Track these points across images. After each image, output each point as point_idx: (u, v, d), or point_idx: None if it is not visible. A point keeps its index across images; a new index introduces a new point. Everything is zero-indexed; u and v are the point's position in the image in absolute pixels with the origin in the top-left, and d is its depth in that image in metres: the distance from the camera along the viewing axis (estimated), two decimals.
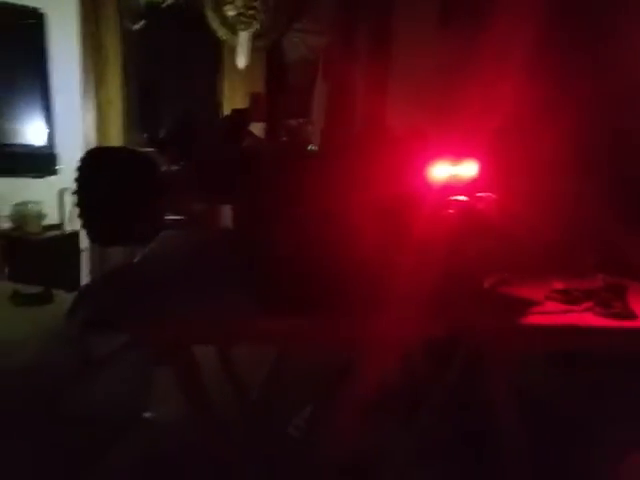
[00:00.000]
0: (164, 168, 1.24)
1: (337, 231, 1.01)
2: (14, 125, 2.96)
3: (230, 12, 3.25)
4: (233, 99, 3.41)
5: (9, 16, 2.85)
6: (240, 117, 1.21)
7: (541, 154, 1.42)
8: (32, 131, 2.99)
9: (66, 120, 3.10)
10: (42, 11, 2.94)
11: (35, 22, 2.94)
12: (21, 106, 2.98)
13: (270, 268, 1.01)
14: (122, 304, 1.03)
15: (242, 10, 3.25)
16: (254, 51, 3.26)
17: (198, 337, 1.05)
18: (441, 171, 1.12)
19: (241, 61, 3.28)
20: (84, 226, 1.19)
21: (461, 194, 1.13)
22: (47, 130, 3.03)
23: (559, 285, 1.23)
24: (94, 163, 1.20)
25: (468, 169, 1.17)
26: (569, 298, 1.19)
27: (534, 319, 1.13)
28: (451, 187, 1.12)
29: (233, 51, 3.28)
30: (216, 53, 3.45)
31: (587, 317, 1.16)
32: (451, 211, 1.14)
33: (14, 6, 2.85)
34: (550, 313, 1.16)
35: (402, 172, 1.04)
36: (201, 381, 1.08)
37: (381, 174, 1.01)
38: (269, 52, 3.32)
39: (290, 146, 1.21)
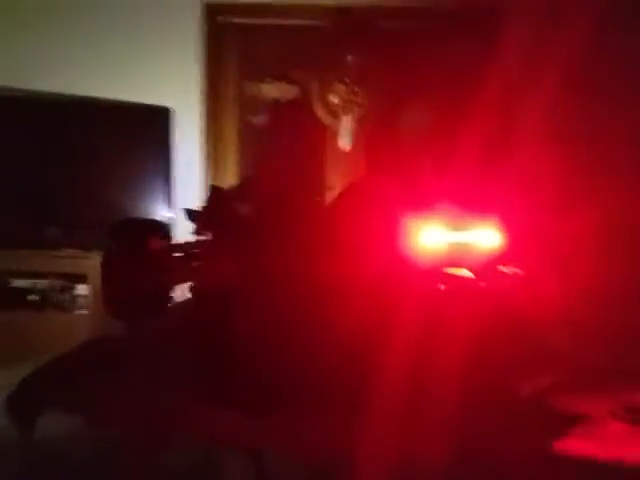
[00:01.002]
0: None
1: (309, 311, 0.90)
2: (139, 205, 3.35)
3: (334, 99, 3.44)
4: (337, 177, 3.50)
5: (141, 113, 3.32)
6: (249, 184, 1.22)
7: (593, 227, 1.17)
8: (155, 212, 3.34)
9: (185, 203, 3.42)
10: (170, 108, 3.38)
11: (163, 118, 3.37)
12: (147, 191, 3.37)
13: (227, 352, 0.92)
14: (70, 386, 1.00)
15: (344, 96, 3.42)
16: (357, 134, 3.38)
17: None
18: (439, 236, 0.96)
19: (344, 143, 3.40)
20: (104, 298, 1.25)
21: (469, 268, 0.94)
22: (168, 212, 3.35)
23: (632, 398, 0.91)
24: (116, 235, 1.28)
25: (487, 236, 0.98)
26: None
27: (582, 445, 0.81)
28: (454, 258, 0.95)
29: (336, 135, 3.42)
30: (322, 138, 3.61)
31: None
32: (466, 292, 0.96)
33: (147, 106, 3.32)
34: (614, 440, 0.84)
35: (392, 236, 0.92)
36: None
37: (361, 240, 0.91)
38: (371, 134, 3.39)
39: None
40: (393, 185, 0.97)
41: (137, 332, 1.19)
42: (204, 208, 1.28)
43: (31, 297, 2.98)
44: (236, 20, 3.56)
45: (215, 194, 1.27)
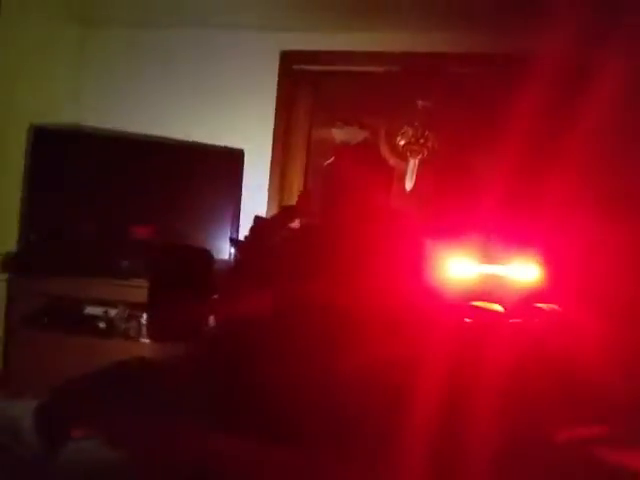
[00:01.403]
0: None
1: (335, 343, 0.87)
2: (209, 242, 3.46)
3: (401, 142, 3.45)
4: None
5: (217, 155, 3.49)
6: (288, 213, 1.23)
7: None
8: (218, 249, 3.43)
9: None
10: (242, 149, 3.53)
11: (237, 159, 3.52)
12: (215, 227, 3.50)
13: (249, 381, 0.91)
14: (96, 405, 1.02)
15: (412, 139, 3.41)
16: (422, 175, 3.35)
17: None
18: (471, 268, 0.91)
19: (409, 185, 3.39)
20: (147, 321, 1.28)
21: (503, 302, 0.87)
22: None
23: None
24: (162, 258, 1.32)
25: (524, 270, 0.92)
26: None
27: None
28: (487, 292, 0.89)
29: (402, 176, 3.41)
30: (388, 179, 3.60)
31: None
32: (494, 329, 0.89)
33: (223, 148, 3.49)
34: None
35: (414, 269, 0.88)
36: None
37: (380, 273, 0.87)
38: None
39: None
40: (427, 217, 0.94)
41: (168, 356, 1.20)
42: (246, 237, 1.30)
43: (101, 324, 3.13)
44: (309, 67, 3.70)
45: (257, 223, 1.28)
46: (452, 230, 0.87)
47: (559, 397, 0.79)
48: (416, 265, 0.84)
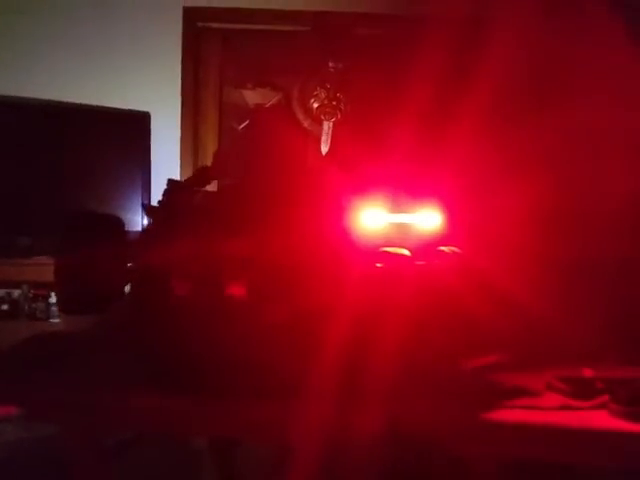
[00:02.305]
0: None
1: (242, 291, 0.88)
2: (117, 211, 3.29)
3: (314, 104, 3.42)
4: None
5: (120, 118, 3.29)
6: (203, 174, 1.18)
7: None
8: (130, 217, 3.29)
9: None
10: (148, 112, 3.34)
11: (143, 122, 3.33)
12: (125, 194, 3.33)
13: (170, 339, 0.89)
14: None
15: (325, 101, 3.40)
16: (336, 138, 3.36)
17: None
18: (379, 218, 0.94)
19: (324, 148, 3.38)
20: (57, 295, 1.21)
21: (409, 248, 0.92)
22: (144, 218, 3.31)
23: (566, 372, 0.92)
24: (70, 229, 1.23)
25: (427, 218, 0.97)
26: (577, 390, 0.89)
27: (521, 415, 0.85)
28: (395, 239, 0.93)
29: (317, 140, 3.40)
30: (302, 142, 3.59)
31: (599, 416, 0.84)
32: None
33: (127, 111, 3.29)
34: (547, 409, 0.87)
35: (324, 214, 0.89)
36: None
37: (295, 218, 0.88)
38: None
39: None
40: (340, 172, 0.96)
41: (84, 327, 1.15)
42: (160, 201, 1.25)
43: (4, 306, 2.90)
44: (215, 25, 3.55)
45: (171, 186, 1.22)
46: (363, 185, 0.90)
47: (459, 330, 0.87)
48: (330, 217, 0.86)
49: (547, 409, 0.86)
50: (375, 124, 3.05)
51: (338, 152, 3.25)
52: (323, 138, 3.39)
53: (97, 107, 3.25)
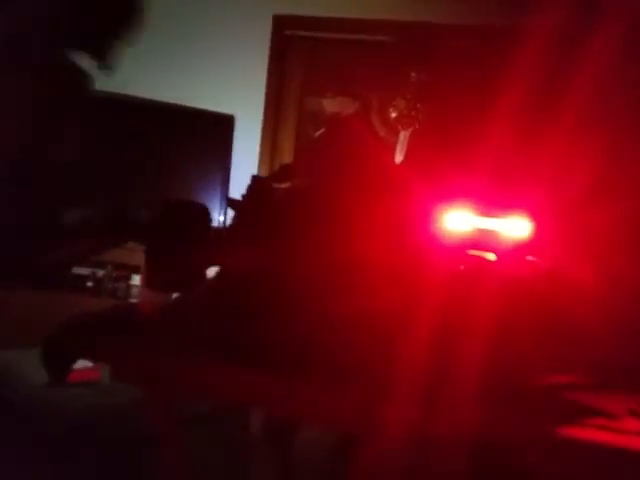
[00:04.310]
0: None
1: (338, 288, 0.92)
2: None
3: (393, 114, 3.46)
4: None
5: (207, 120, 3.47)
6: (285, 172, 1.26)
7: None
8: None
9: None
10: (233, 115, 3.51)
11: (227, 124, 3.50)
12: (205, 191, 3.50)
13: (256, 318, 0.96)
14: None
15: (404, 111, 3.43)
16: (412, 149, 3.37)
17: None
18: (467, 222, 0.95)
19: (399, 157, 3.40)
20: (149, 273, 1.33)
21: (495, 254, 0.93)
22: (222, 216, 3.45)
23: None
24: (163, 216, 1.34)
25: (516, 225, 0.97)
26: None
27: (598, 435, 0.82)
28: (481, 244, 0.94)
29: (392, 148, 3.43)
30: (377, 151, 3.63)
31: None
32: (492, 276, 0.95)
33: (214, 113, 3.47)
34: (626, 432, 0.84)
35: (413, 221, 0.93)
36: None
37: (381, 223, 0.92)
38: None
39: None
40: (426, 176, 0.98)
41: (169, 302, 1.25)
42: (243, 196, 1.33)
43: (89, 284, 3.15)
44: (302, 33, 3.67)
45: (254, 182, 1.31)
46: (448, 189, 0.92)
47: (543, 344, 0.86)
48: (414, 220, 0.89)
49: (625, 432, 0.82)
50: (456, 135, 3.04)
51: (413, 161, 3.26)
52: (398, 147, 3.41)
53: (187, 107, 3.45)
